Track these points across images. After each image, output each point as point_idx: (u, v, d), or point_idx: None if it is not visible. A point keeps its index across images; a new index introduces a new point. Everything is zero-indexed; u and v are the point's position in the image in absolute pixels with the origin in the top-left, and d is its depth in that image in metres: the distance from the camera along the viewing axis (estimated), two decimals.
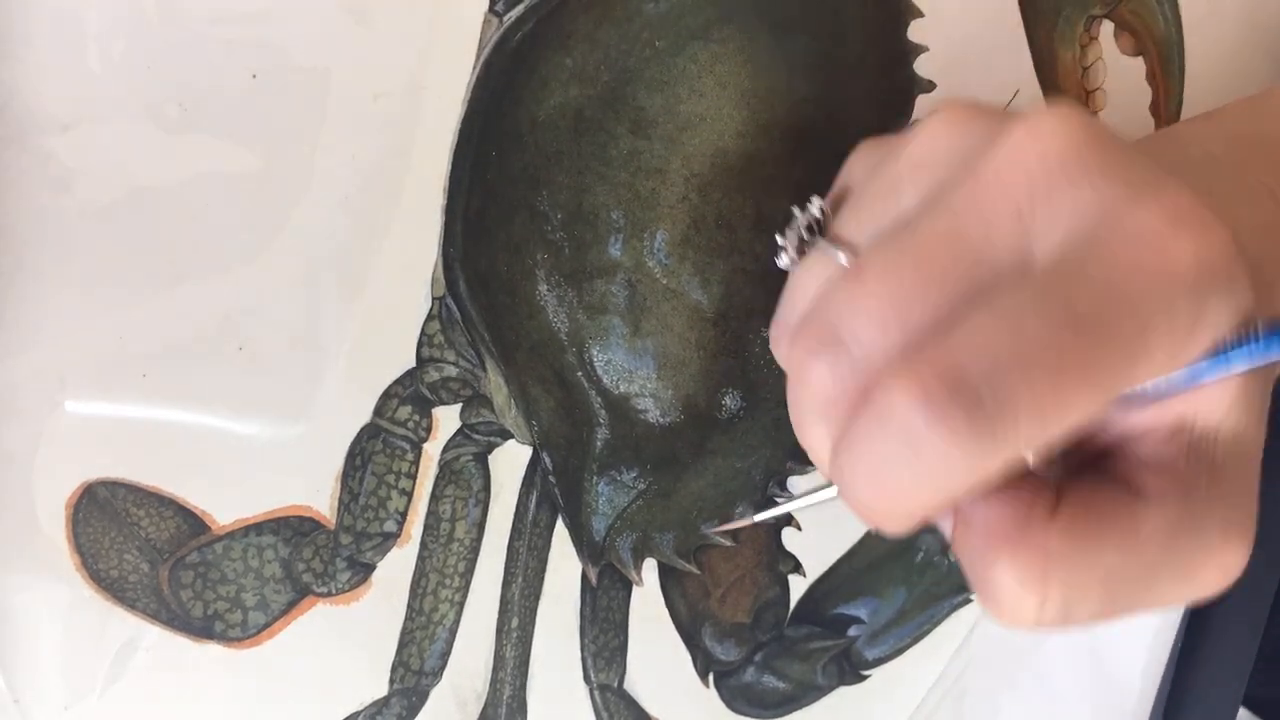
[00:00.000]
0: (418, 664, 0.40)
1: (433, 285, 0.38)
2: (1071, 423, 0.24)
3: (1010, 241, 0.25)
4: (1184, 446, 0.27)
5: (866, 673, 0.44)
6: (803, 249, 0.30)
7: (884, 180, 0.28)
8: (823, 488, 0.30)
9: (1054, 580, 0.26)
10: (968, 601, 0.45)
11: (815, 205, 0.30)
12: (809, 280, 0.29)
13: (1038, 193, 0.25)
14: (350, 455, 0.38)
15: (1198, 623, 0.47)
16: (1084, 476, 0.28)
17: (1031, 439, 0.24)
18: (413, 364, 0.39)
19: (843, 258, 0.28)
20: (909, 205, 0.28)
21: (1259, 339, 0.26)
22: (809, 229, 0.30)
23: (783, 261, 0.30)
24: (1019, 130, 0.26)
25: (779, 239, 0.30)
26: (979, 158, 0.26)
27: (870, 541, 0.44)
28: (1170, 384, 0.26)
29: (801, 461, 0.40)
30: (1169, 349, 0.25)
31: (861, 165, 0.31)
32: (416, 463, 0.39)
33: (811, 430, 0.28)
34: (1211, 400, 0.27)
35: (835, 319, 0.26)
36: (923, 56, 0.39)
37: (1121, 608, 0.27)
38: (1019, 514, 0.26)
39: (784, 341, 0.30)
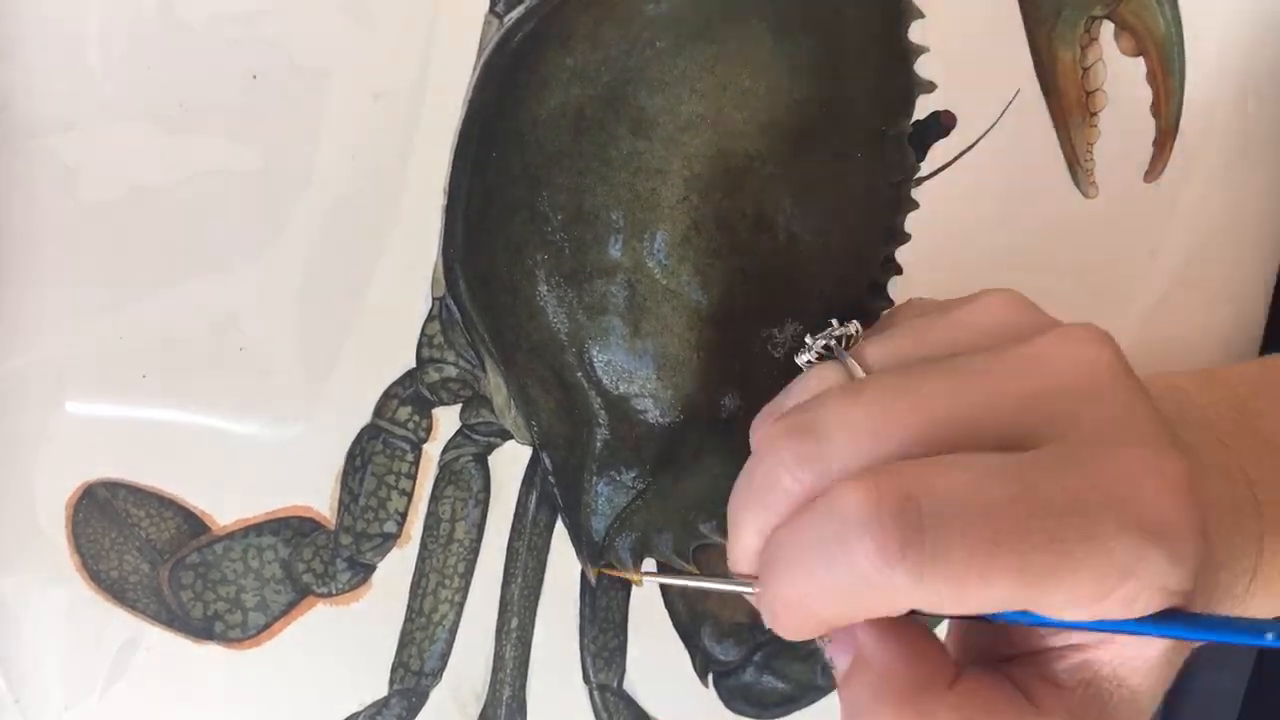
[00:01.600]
0: (418, 664, 0.40)
1: (433, 286, 0.38)
2: (982, 597, 0.25)
3: (1004, 423, 0.27)
4: (1085, 682, 0.29)
5: None
6: (824, 354, 0.32)
7: (922, 325, 0.30)
8: (735, 580, 0.31)
9: None
10: None
11: (853, 326, 0.32)
12: (815, 383, 0.31)
13: (1055, 396, 0.27)
14: (350, 456, 0.38)
15: None
16: (987, 670, 0.29)
17: (946, 595, 0.25)
18: (413, 364, 0.39)
19: (857, 370, 0.30)
20: (937, 351, 0.29)
21: (1182, 618, 0.26)
22: (838, 340, 0.32)
23: (802, 359, 0.32)
24: (1059, 333, 0.28)
25: (809, 339, 0.32)
26: (1014, 343, 0.28)
27: None
28: (1095, 625, 0.27)
29: None
30: (1097, 580, 0.25)
31: (913, 310, 0.33)
32: (416, 463, 0.39)
33: (747, 512, 0.29)
34: (1128, 653, 0.28)
35: (821, 417, 0.28)
36: (924, 57, 0.39)
37: None
38: (919, 676, 0.27)
39: (762, 425, 0.31)
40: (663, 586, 0.42)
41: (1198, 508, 0.26)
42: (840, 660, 0.29)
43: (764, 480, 0.28)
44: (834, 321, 0.32)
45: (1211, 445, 0.32)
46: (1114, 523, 0.25)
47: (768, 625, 0.29)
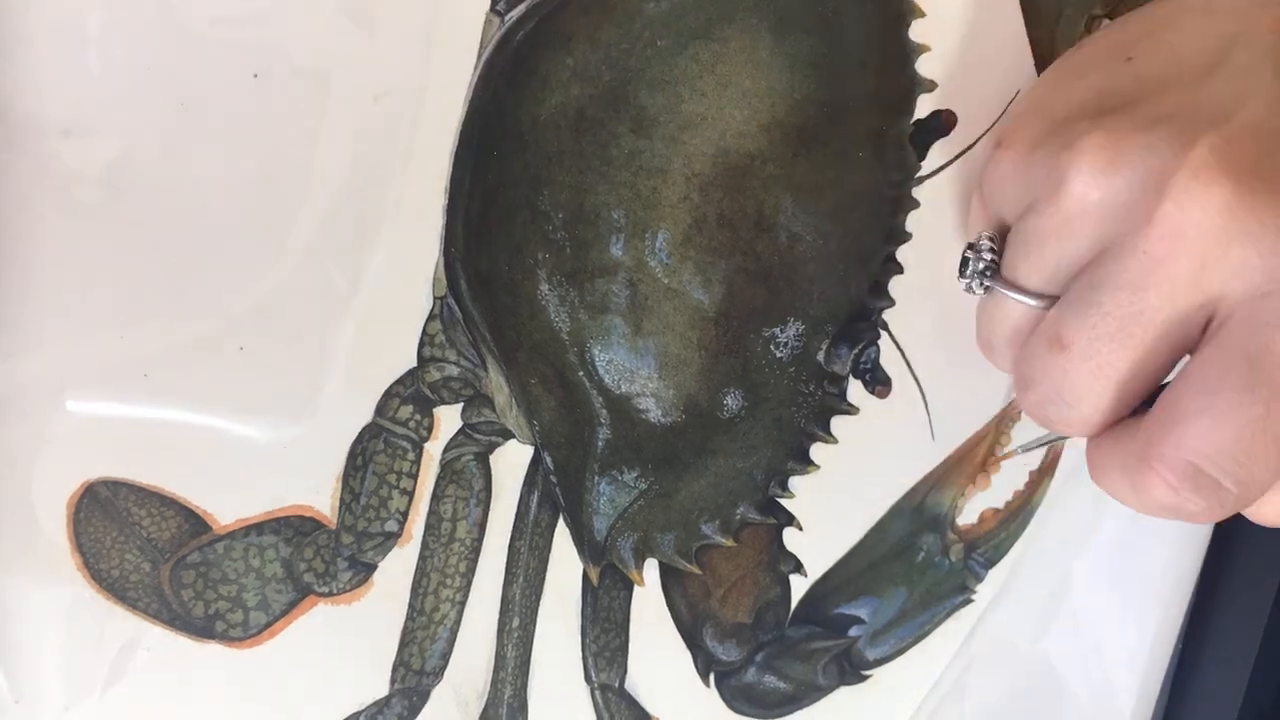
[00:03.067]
0: (419, 664, 0.40)
1: (434, 285, 0.38)
2: None
3: (1193, 301, 0.29)
4: None
5: (868, 673, 0.44)
6: (984, 287, 0.34)
7: (1045, 230, 0.31)
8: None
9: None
10: (968, 602, 0.45)
11: (984, 247, 0.34)
12: (1000, 316, 0.34)
13: (1208, 259, 0.28)
14: (351, 455, 0.38)
15: (1198, 623, 0.47)
16: None
17: (1266, 486, 0.29)
18: (414, 363, 0.39)
19: (1031, 302, 0.32)
20: (1079, 254, 0.31)
21: None
22: (984, 272, 0.34)
23: (963, 283, 0.34)
24: (1169, 204, 0.29)
25: (961, 281, 0.34)
26: (1142, 229, 0.29)
27: (871, 541, 0.44)
28: None
29: (803, 461, 0.40)
30: None
31: (1008, 192, 0.33)
32: (418, 462, 0.39)
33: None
34: None
35: (1055, 387, 0.32)
36: (924, 56, 0.39)
37: None
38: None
39: (994, 357, 0.35)
40: (665, 588, 0.42)
41: None
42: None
43: (1058, 425, 0.33)
44: (967, 254, 0.34)
45: None
46: None
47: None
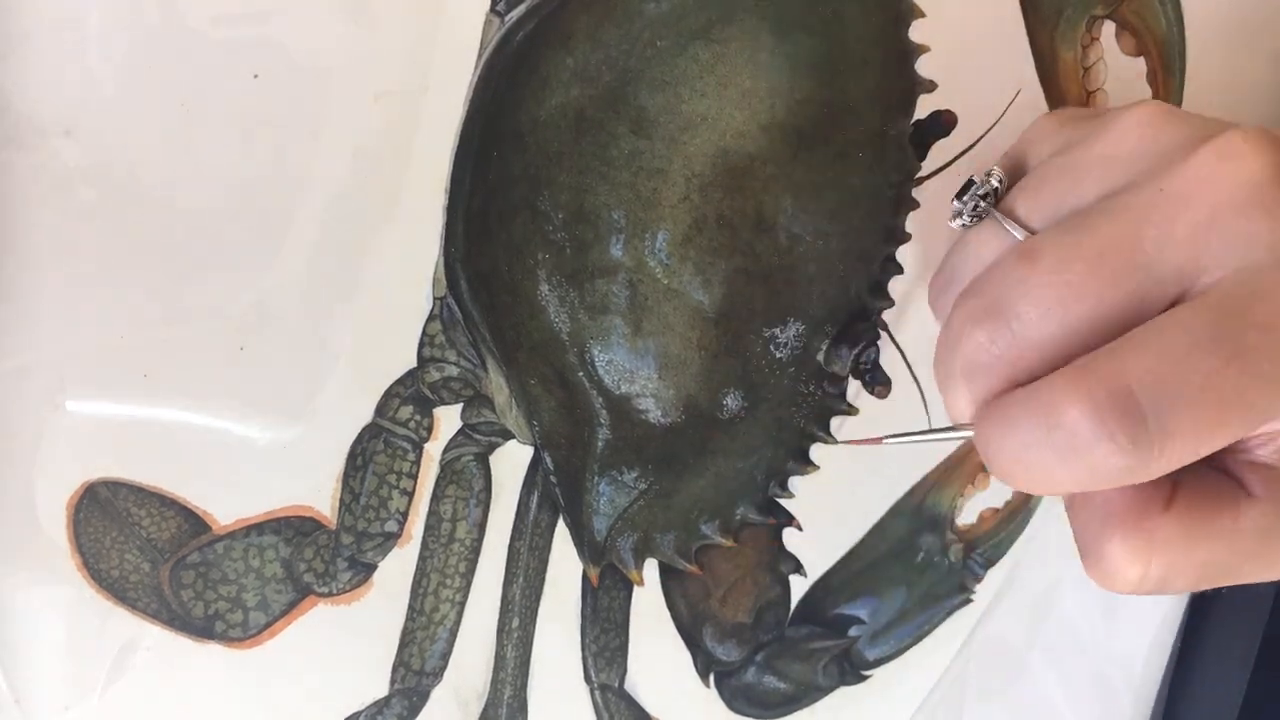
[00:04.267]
0: (418, 664, 0.40)
1: (434, 285, 0.38)
2: (1220, 445, 0.27)
3: (1179, 259, 0.27)
4: None
5: (867, 673, 0.44)
6: (977, 215, 0.32)
7: (1068, 166, 0.30)
8: (957, 427, 0.32)
9: (1156, 562, 0.28)
10: (968, 602, 0.45)
11: (995, 175, 0.32)
12: (980, 248, 0.31)
13: (1218, 218, 0.27)
14: (351, 455, 0.38)
15: (1197, 623, 0.47)
16: (1197, 469, 0.29)
17: (1183, 458, 0.27)
18: (414, 364, 0.39)
19: (1019, 234, 0.30)
20: (1089, 196, 0.29)
21: None
22: (985, 198, 0.32)
23: (956, 225, 0.32)
24: (1209, 150, 0.27)
25: (956, 203, 0.32)
26: (1167, 169, 0.28)
27: (871, 542, 0.44)
28: None
29: (802, 462, 0.40)
30: None
31: (1046, 141, 0.32)
32: (418, 463, 0.39)
33: (953, 384, 0.30)
34: None
35: (1003, 294, 0.28)
36: (924, 56, 0.39)
37: (1209, 584, 0.29)
38: (1138, 502, 0.28)
39: (943, 295, 0.32)
40: (665, 588, 0.42)
41: None
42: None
43: (966, 364, 0.29)
44: (974, 178, 0.32)
45: None
46: None
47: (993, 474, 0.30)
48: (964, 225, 0.33)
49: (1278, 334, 0.26)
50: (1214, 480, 0.29)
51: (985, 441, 0.29)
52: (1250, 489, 0.29)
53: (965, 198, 0.32)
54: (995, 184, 0.32)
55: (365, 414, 0.38)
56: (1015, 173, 0.33)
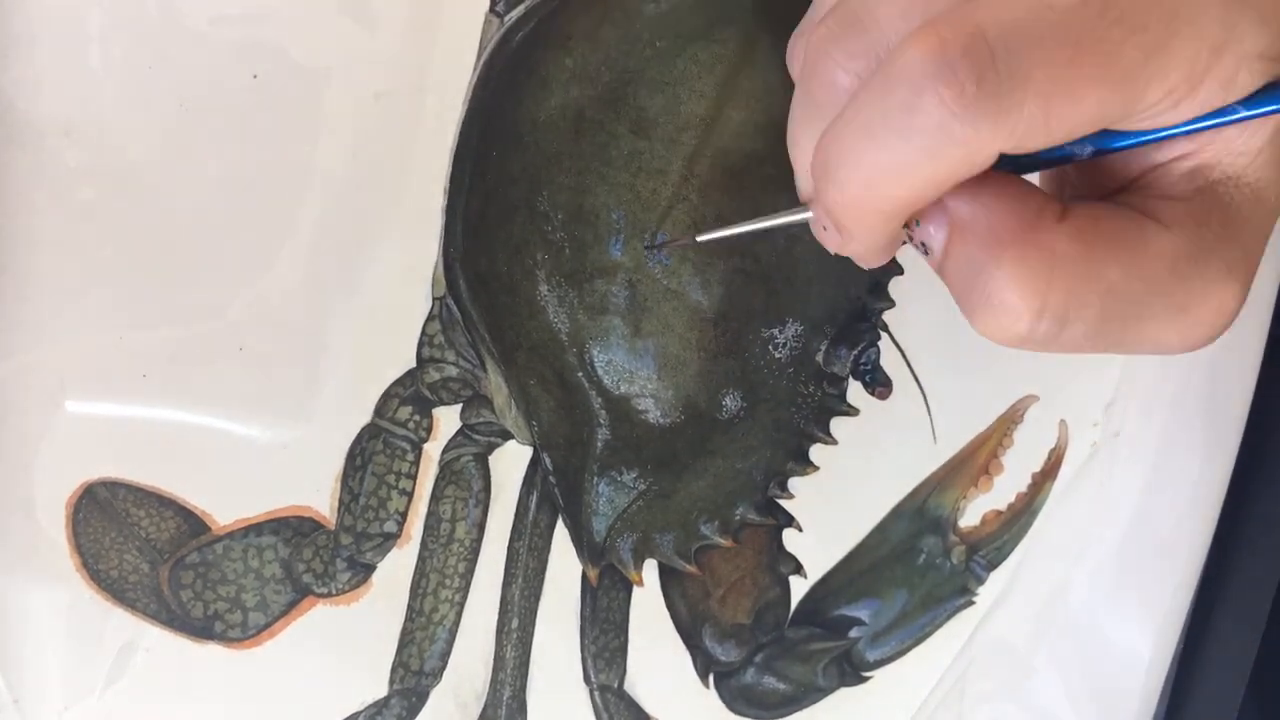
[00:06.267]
0: (418, 664, 0.40)
1: (433, 285, 0.38)
2: (1077, 118, 0.24)
3: None
4: (1203, 185, 0.26)
5: (867, 674, 0.44)
6: None
7: None
8: (799, 211, 0.29)
9: (1056, 285, 0.25)
10: (970, 604, 0.45)
11: None
12: None
13: None
14: (350, 455, 0.38)
15: (1199, 625, 0.47)
16: (1093, 203, 0.27)
17: (1033, 125, 0.23)
18: (413, 364, 0.39)
19: None
20: None
21: None
22: None
23: None
24: None
25: None
26: None
27: (872, 543, 0.44)
28: (1196, 121, 0.25)
29: (802, 462, 0.40)
30: (1189, 63, 0.24)
31: None
32: (417, 463, 0.39)
33: (805, 126, 0.27)
34: (1236, 146, 0.26)
35: (857, 4, 0.25)
36: None
37: (1113, 335, 0.26)
38: (1027, 216, 0.25)
39: (805, 35, 0.28)
40: (664, 589, 0.42)
41: None
42: (935, 238, 0.26)
43: (820, 87, 0.26)
44: None
45: None
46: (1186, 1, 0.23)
47: (834, 249, 0.27)
48: None
49: None
50: (1115, 209, 0.26)
51: (822, 159, 0.25)
52: (1159, 218, 0.26)
53: None
54: None
55: (364, 414, 0.38)
56: None
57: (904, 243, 0.27)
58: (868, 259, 0.27)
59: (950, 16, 0.23)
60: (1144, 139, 0.26)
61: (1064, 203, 0.26)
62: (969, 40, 0.23)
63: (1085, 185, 0.28)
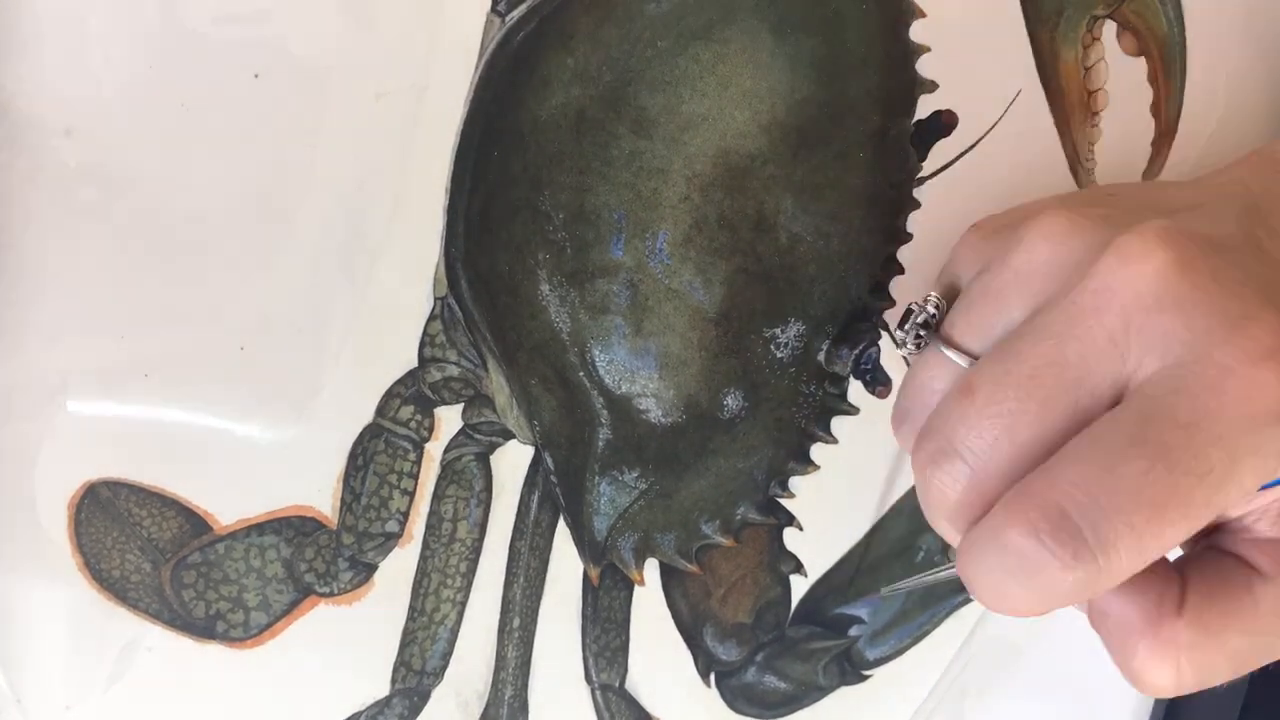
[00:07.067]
0: (419, 664, 0.40)
1: (435, 285, 0.38)
2: (1169, 546, 0.27)
3: (1106, 367, 0.28)
4: None
5: (868, 673, 0.44)
6: (920, 343, 0.33)
7: (990, 287, 0.31)
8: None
9: (1185, 665, 0.29)
10: (968, 601, 0.45)
11: (931, 303, 0.33)
12: (928, 378, 0.32)
13: (1131, 322, 0.28)
14: (352, 455, 0.38)
15: None
16: (1203, 557, 0.30)
17: (1133, 564, 0.27)
18: (415, 364, 0.39)
19: (963, 362, 0.31)
20: (1016, 315, 0.30)
21: None
22: (924, 326, 0.33)
23: (902, 353, 0.34)
24: (1110, 256, 0.28)
25: (899, 333, 0.33)
26: (1076, 281, 0.29)
27: (872, 542, 0.44)
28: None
29: (803, 462, 0.40)
30: (1258, 475, 0.27)
31: (968, 260, 0.33)
32: (418, 462, 0.39)
33: (938, 524, 0.31)
34: None
35: (951, 433, 0.30)
36: (925, 56, 0.39)
37: (1249, 667, 0.30)
38: (1149, 612, 0.29)
39: (902, 429, 0.34)
40: (666, 588, 0.42)
41: None
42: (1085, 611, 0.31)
43: (938, 505, 0.30)
44: (912, 305, 0.33)
45: None
46: (1239, 426, 0.26)
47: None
48: (909, 354, 0.34)
49: (1200, 429, 0.26)
50: (1222, 566, 0.30)
51: (964, 577, 0.30)
52: (1260, 568, 0.30)
53: (906, 327, 0.33)
54: (932, 310, 0.33)
55: (366, 414, 0.38)
56: (951, 293, 0.34)
57: None
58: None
59: (1034, 494, 0.28)
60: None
61: (1179, 561, 0.30)
62: (1057, 522, 0.27)
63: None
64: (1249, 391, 0.26)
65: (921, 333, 0.33)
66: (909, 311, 0.33)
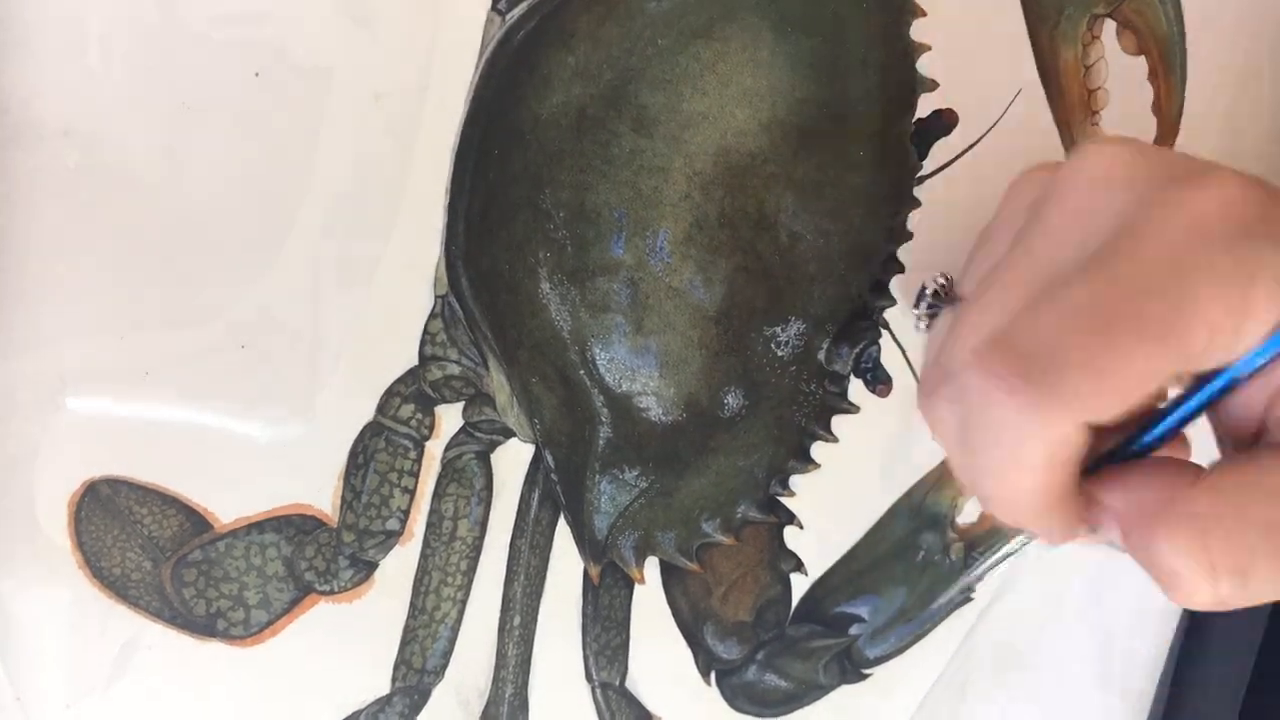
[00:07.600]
0: (420, 662, 0.40)
1: (435, 284, 0.38)
2: (1132, 379, 0.25)
3: (1070, 238, 0.27)
4: None
5: (868, 671, 0.44)
6: (933, 312, 0.32)
7: (983, 236, 0.31)
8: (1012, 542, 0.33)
9: (1214, 544, 0.26)
10: (968, 601, 0.45)
11: (937, 278, 0.33)
12: (936, 338, 0.31)
13: (1096, 198, 0.27)
14: (353, 453, 0.38)
15: (1199, 621, 0.47)
16: (1232, 454, 0.28)
17: (1092, 392, 0.25)
18: (415, 362, 0.39)
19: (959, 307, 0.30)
20: (1000, 251, 0.29)
21: None
22: (936, 295, 0.32)
23: (919, 329, 0.33)
24: (1066, 167, 0.28)
25: (914, 311, 0.33)
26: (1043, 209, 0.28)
27: (872, 541, 0.44)
28: (1270, 345, 0.26)
29: (803, 460, 0.40)
30: (1222, 301, 0.25)
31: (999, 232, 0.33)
32: (419, 460, 0.39)
33: (954, 462, 0.30)
34: None
35: (946, 359, 0.28)
36: (925, 55, 0.39)
37: None
38: (1162, 490, 0.27)
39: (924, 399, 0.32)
40: (666, 586, 0.42)
41: (1248, 182, 0.26)
42: (1112, 534, 0.28)
43: (946, 442, 0.29)
44: (924, 283, 0.33)
45: None
46: (1190, 251, 0.25)
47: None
48: (925, 326, 0.33)
49: (1151, 261, 0.25)
50: (1249, 453, 0.28)
51: (967, 483, 0.29)
52: None
53: (919, 303, 0.33)
54: (942, 281, 0.33)
55: (366, 412, 0.39)
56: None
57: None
58: (1055, 540, 0.30)
59: (988, 340, 0.26)
60: (1230, 376, 0.26)
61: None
62: (1003, 352, 0.26)
63: (1234, 442, 0.30)
64: (1188, 216, 0.25)
65: (933, 303, 0.33)
66: (922, 289, 0.33)
